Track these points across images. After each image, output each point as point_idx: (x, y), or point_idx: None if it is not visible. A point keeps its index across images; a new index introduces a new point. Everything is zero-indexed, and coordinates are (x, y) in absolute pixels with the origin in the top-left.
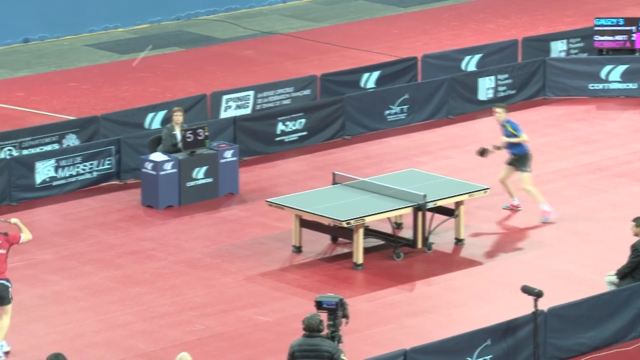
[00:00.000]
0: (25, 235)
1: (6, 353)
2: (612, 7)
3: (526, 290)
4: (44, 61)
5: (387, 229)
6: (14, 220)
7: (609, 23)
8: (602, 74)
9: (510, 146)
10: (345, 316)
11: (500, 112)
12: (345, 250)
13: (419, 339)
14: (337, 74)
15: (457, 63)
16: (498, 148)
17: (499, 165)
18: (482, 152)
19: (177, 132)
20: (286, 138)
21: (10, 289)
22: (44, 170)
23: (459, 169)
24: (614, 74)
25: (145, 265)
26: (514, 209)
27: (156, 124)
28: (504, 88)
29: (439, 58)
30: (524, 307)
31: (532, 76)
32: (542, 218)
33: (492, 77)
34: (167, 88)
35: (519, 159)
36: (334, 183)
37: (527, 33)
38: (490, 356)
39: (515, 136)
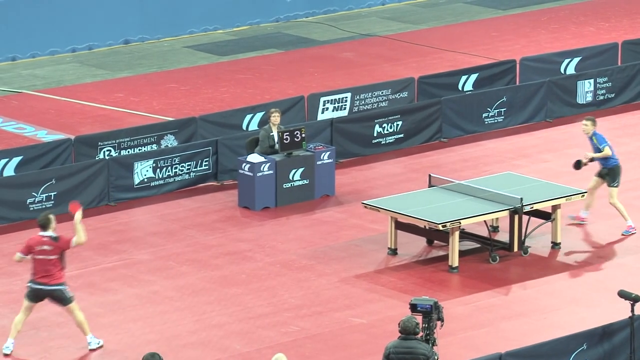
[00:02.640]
0: (77, 239)
1: (93, 349)
2: None
3: (623, 295)
4: (143, 62)
5: (483, 232)
6: (77, 216)
7: None
8: None
9: (601, 158)
10: (440, 319)
11: (587, 125)
12: (441, 253)
13: (514, 343)
14: (435, 77)
15: (556, 66)
16: (592, 160)
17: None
18: (577, 165)
19: (275, 134)
20: (383, 140)
21: (64, 290)
22: (142, 171)
23: (557, 172)
24: None
25: (242, 266)
26: (578, 221)
27: (254, 126)
28: (603, 91)
29: (538, 61)
30: (620, 311)
31: (632, 79)
32: (625, 230)
33: (592, 80)
34: (265, 90)
35: (609, 172)
36: (430, 186)
37: (628, 36)
38: None
39: (600, 151)
